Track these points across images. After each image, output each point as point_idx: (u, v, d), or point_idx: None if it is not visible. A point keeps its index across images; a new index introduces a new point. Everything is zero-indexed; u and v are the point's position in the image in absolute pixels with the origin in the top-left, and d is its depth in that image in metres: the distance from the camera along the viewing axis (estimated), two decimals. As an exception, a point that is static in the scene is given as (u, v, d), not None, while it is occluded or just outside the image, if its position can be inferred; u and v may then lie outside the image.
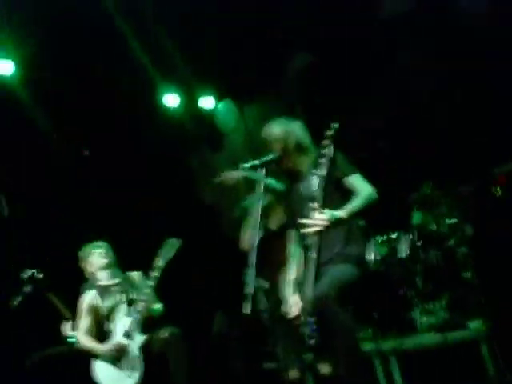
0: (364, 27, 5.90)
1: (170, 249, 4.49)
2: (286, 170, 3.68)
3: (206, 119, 7.20)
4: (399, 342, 4.77)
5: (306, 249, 3.53)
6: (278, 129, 3.63)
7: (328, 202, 3.36)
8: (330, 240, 3.37)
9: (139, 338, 4.35)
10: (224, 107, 7.16)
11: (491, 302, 4.32)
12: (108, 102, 6.32)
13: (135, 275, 4.75)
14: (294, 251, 3.66)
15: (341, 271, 3.30)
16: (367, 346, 4.71)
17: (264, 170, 3.49)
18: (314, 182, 3.50)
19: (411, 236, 5.16)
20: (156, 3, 5.72)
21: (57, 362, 4.57)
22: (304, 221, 3.34)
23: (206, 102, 7.08)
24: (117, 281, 4.68)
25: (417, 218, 5.29)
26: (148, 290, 4.41)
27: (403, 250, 5.13)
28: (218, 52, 6.26)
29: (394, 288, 5.14)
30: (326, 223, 3.28)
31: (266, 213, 4.27)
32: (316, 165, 3.54)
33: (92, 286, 4.70)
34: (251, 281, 3.15)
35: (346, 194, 3.51)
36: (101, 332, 4.55)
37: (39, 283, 4.82)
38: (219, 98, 7.13)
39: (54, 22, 5.35)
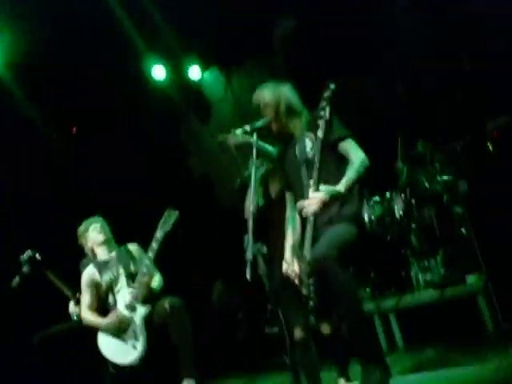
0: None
1: (168, 220, 4.49)
2: (279, 134, 3.66)
3: (192, 89, 7.12)
4: (397, 300, 4.83)
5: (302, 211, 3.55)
6: (268, 93, 3.61)
7: (324, 165, 3.36)
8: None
9: (141, 310, 4.37)
10: (210, 76, 7.09)
11: (487, 255, 4.35)
12: (96, 77, 6.25)
13: (134, 248, 4.75)
14: (291, 215, 3.67)
15: (339, 231, 3.32)
16: (366, 306, 4.76)
17: (255, 135, 3.49)
18: (308, 145, 3.51)
19: (404, 195, 5.16)
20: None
21: (62, 338, 4.60)
22: (302, 203, 3.36)
23: (193, 72, 6.99)
24: (115, 254, 4.68)
25: (405, 175, 5.28)
26: (147, 262, 4.42)
27: (397, 210, 5.14)
28: (203, 20, 6.16)
29: (390, 247, 5.17)
30: (323, 201, 3.30)
31: (265, 180, 4.27)
32: (309, 127, 3.54)
33: (90, 262, 4.71)
34: (250, 247, 3.17)
35: (341, 157, 3.52)
36: (103, 306, 4.57)
37: (38, 264, 4.83)
38: (205, 68, 7.05)
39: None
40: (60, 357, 4.56)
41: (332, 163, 3.47)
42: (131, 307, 4.37)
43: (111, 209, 5.06)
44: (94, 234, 4.69)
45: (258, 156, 3.48)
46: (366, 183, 3.79)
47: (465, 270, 4.61)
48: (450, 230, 4.92)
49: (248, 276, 3.12)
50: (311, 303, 3.31)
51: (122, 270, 4.55)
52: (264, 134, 3.61)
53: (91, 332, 4.49)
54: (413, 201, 5.11)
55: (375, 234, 5.13)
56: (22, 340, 4.89)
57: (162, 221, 4.49)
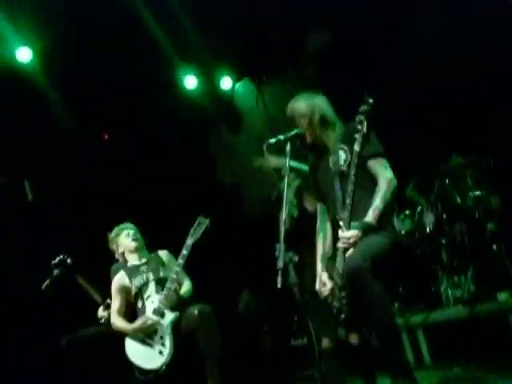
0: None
1: (199, 228, 4.53)
2: (312, 145, 3.67)
3: (224, 100, 7.18)
4: (426, 316, 4.78)
5: (334, 223, 3.55)
6: (302, 103, 3.63)
7: (357, 179, 3.35)
8: (359, 212, 3.37)
9: (169, 315, 4.39)
10: (242, 87, 7.14)
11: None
12: (128, 86, 6.34)
13: (164, 254, 4.79)
14: (321, 226, 3.68)
15: (372, 242, 3.30)
16: (394, 320, 4.71)
17: (289, 146, 3.51)
18: (342, 157, 3.51)
19: (435, 210, 5.13)
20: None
21: (89, 342, 4.63)
22: (338, 245, 3.36)
23: (224, 83, 7.05)
24: (145, 261, 4.73)
25: (439, 190, 5.24)
26: (177, 269, 4.45)
27: (428, 224, 5.10)
28: (236, 32, 6.22)
29: (419, 262, 5.13)
30: (357, 238, 3.29)
31: (299, 192, 4.26)
32: (343, 139, 3.54)
33: (121, 267, 4.76)
34: (282, 255, 3.18)
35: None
36: (132, 311, 4.60)
37: (69, 268, 4.89)
38: (237, 79, 7.10)
39: (73, 5, 5.35)
40: (87, 360, 4.58)
41: (363, 178, 3.44)
42: (159, 313, 4.39)
43: (142, 216, 5.10)
44: (126, 240, 4.74)
45: (290, 170, 3.50)
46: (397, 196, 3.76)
47: (496, 287, 4.55)
48: (482, 246, 4.86)
49: (279, 284, 3.12)
50: (342, 316, 3.30)
51: (151, 276, 4.58)
52: (297, 144, 3.63)
53: (119, 336, 4.52)
54: (444, 216, 5.07)
55: (405, 248, 5.08)
56: (50, 342, 4.93)
57: (192, 228, 4.54)
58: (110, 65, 6.01)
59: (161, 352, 4.33)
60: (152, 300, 4.48)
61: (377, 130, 3.50)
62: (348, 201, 3.34)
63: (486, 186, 4.98)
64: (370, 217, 3.33)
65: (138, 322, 4.44)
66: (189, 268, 4.62)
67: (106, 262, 4.94)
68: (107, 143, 6.91)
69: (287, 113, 3.68)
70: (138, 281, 4.60)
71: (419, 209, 5.22)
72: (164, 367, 4.31)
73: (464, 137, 5.35)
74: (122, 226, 4.84)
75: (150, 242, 4.89)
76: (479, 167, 5.07)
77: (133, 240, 4.73)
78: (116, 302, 4.61)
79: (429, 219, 5.13)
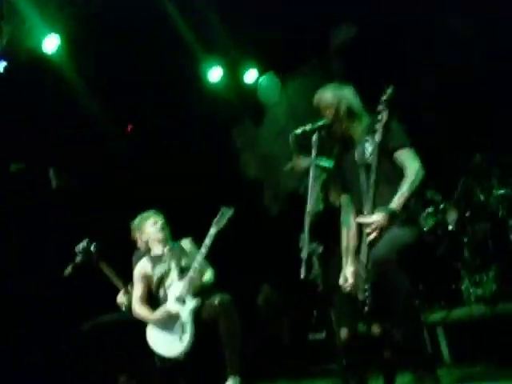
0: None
1: (223, 217, 4.53)
2: (338, 137, 3.65)
3: (248, 93, 7.18)
4: (446, 314, 4.76)
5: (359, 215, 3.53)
6: (329, 94, 3.61)
7: (381, 171, 3.33)
8: (383, 204, 3.33)
9: (190, 303, 4.41)
10: (266, 81, 7.13)
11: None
12: (152, 78, 6.37)
13: (187, 243, 4.80)
14: (345, 217, 3.66)
15: (398, 234, 3.27)
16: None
17: (316, 136, 3.51)
18: (368, 149, 3.49)
19: (459, 208, 5.09)
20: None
21: (110, 328, 4.67)
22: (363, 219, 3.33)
23: (249, 76, 7.05)
24: (168, 249, 4.73)
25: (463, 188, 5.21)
26: (199, 258, 4.46)
27: (451, 222, 5.07)
28: (261, 24, 6.21)
29: (441, 259, 5.10)
30: (382, 226, 3.26)
31: (326, 186, 4.26)
32: (369, 131, 3.52)
33: (144, 255, 4.78)
34: (306, 246, 3.18)
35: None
36: (154, 299, 4.63)
37: (92, 254, 4.93)
38: (262, 72, 7.09)
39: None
40: (108, 346, 4.62)
41: (388, 169, 3.41)
42: (181, 300, 4.41)
43: (166, 206, 5.11)
44: (152, 229, 4.74)
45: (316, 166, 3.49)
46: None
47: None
48: (505, 245, 4.83)
49: (302, 275, 3.13)
50: (366, 309, 3.28)
51: (173, 265, 4.59)
52: (322, 136, 3.61)
53: (139, 323, 4.55)
54: (467, 214, 5.04)
55: (426, 245, 5.06)
56: (71, 328, 4.98)
57: (216, 218, 4.55)
58: (138, 60, 6.04)
59: (181, 339, 4.35)
60: (174, 288, 4.51)
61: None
62: (371, 192, 3.31)
63: (510, 184, 4.94)
64: (396, 203, 3.28)
65: (159, 313, 4.47)
66: (211, 258, 4.63)
67: (127, 250, 4.98)
68: (133, 133, 6.95)
69: (313, 103, 3.66)
70: (160, 269, 4.63)
71: (442, 206, 5.19)
72: (184, 355, 4.34)
73: (488, 135, 5.30)
74: (146, 213, 4.84)
75: (173, 232, 4.89)
76: (504, 165, 5.03)
77: (161, 229, 4.73)
78: (138, 290, 4.64)
79: (451, 217, 5.09)
